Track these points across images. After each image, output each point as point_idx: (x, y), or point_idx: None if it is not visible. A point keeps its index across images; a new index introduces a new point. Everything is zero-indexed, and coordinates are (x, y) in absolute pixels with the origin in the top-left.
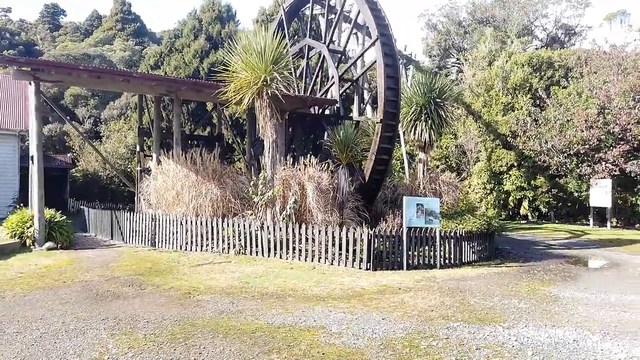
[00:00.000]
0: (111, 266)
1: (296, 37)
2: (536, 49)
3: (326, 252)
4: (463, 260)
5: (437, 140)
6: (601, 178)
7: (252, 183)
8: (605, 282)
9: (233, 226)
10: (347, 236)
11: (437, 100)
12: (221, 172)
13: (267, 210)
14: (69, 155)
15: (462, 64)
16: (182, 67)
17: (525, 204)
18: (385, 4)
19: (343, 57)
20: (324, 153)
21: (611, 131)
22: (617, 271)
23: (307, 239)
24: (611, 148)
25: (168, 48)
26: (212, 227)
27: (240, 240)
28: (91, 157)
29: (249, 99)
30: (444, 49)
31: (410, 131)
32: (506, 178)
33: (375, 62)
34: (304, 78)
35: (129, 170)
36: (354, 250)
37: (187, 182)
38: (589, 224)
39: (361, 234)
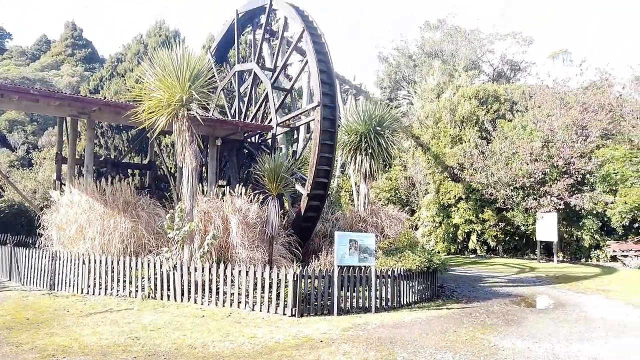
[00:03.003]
0: None
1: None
2: (483, 83)
3: (247, 295)
4: (402, 302)
5: (380, 172)
6: (547, 212)
7: (167, 216)
8: (550, 327)
9: (142, 266)
10: (270, 277)
11: (378, 128)
12: (135, 204)
13: (184, 247)
14: None
15: (412, 96)
16: (124, 92)
17: (473, 237)
18: (335, 37)
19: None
20: (255, 183)
21: (555, 164)
22: (563, 313)
23: (225, 280)
24: (556, 181)
25: (110, 72)
26: (118, 267)
27: (150, 283)
28: (19, 186)
29: (166, 122)
30: (394, 81)
31: (351, 161)
32: (455, 211)
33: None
34: (245, 104)
35: None
36: (278, 294)
37: (92, 214)
38: (536, 258)
39: (286, 275)
